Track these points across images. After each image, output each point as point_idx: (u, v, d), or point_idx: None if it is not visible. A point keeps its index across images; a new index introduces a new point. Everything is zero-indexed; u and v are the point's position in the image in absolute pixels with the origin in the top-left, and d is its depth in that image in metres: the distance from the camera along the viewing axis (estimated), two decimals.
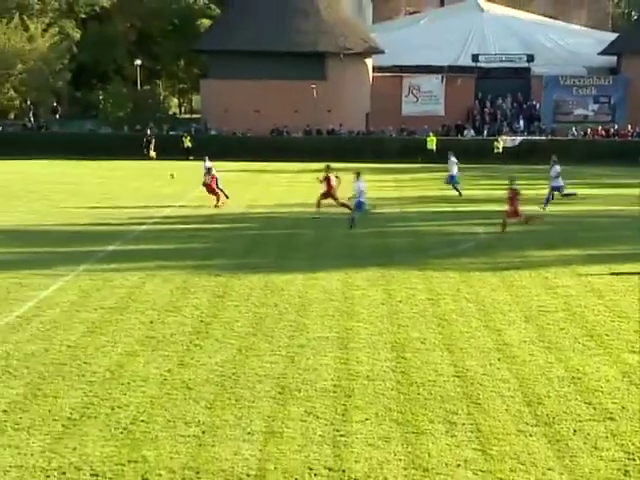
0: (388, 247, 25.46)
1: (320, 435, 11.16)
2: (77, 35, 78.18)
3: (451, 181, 38.20)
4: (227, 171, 48.91)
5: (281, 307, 17.80)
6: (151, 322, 16.51)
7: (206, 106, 70.57)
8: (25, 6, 74.77)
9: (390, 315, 17.20)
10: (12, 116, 76.87)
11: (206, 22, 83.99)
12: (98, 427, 11.25)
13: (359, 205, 29.46)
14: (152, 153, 60.48)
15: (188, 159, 59.28)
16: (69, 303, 17.93)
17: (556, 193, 34.44)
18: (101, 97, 73.95)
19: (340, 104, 66.30)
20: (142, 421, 11.50)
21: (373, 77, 69.52)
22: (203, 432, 11.19)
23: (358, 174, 29.68)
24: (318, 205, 31.61)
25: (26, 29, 71.56)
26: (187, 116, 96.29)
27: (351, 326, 16.33)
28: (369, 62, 69.56)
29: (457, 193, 37.69)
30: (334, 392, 12.73)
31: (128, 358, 14.20)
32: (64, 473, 9.96)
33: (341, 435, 11.18)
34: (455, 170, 38.03)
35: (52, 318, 16.68)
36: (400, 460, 10.53)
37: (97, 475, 9.94)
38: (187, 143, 61.26)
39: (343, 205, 30.90)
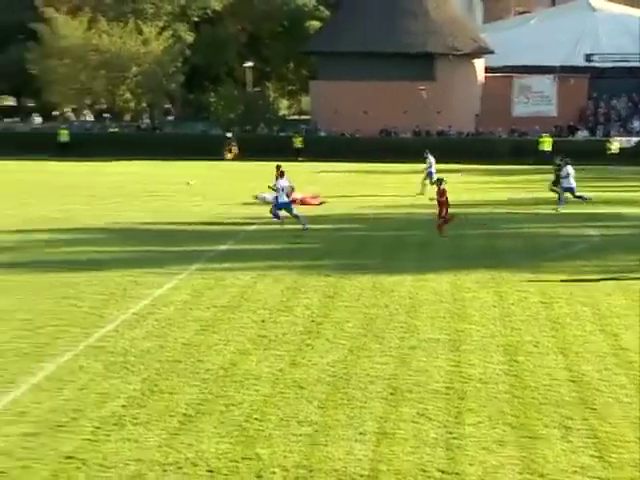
0: (498, 249, 25.14)
1: (433, 437, 11.07)
2: (190, 38, 79.36)
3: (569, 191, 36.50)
4: (336, 172, 49.08)
5: (391, 308, 17.73)
6: (263, 321, 16.63)
7: (315, 107, 70.92)
8: (140, 10, 76.31)
9: (502, 318, 16.97)
10: (127, 117, 78.52)
11: (315, 24, 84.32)
12: (213, 424, 11.38)
13: (281, 205, 28.75)
14: (229, 155, 60.97)
15: (297, 160, 59.64)
16: (183, 301, 18.20)
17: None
18: (212, 99, 74.96)
19: (449, 105, 65.79)
20: (256, 419, 11.58)
21: (483, 78, 68.80)
22: (316, 431, 11.21)
23: (281, 172, 29.31)
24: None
25: (141, 33, 73.05)
26: (296, 117, 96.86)
27: (462, 328, 16.17)
28: (479, 62, 68.86)
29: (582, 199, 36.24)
30: (446, 394, 12.62)
31: (241, 356, 14.33)
32: (180, 468, 10.10)
33: (454, 438, 11.07)
34: (571, 181, 36.48)
35: (166, 316, 16.95)
36: (515, 465, 10.37)
37: (212, 471, 10.05)
38: (297, 144, 61.63)
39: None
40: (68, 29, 71.91)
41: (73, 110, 75.78)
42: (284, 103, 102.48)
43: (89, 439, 10.82)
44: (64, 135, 63.59)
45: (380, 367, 13.83)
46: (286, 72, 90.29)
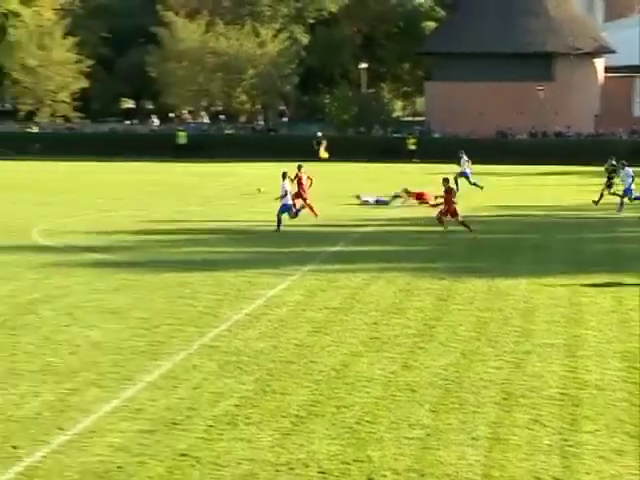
0: (619, 253, 24.59)
1: (547, 444, 10.88)
2: (305, 40, 79.88)
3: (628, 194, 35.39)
4: (449, 173, 48.63)
5: (506, 312, 17.51)
6: (375, 323, 16.62)
7: (430, 108, 70.61)
8: (257, 13, 77.17)
9: (620, 323, 16.58)
10: (242, 119, 79.50)
11: (431, 24, 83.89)
12: (324, 425, 11.42)
13: (285, 208, 28.85)
14: (323, 154, 60.91)
15: (412, 161, 59.44)
16: (295, 302, 18.33)
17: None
18: (327, 100, 75.30)
19: (567, 106, 64.65)
20: (367, 421, 11.58)
21: (603, 78, 67.37)
22: (427, 435, 11.15)
23: (284, 174, 29.36)
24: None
25: (257, 35, 73.85)
26: (410, 119, 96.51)
27: (579, 333, 15.86)
28: (599, 62, 67.46)
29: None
30: (561, 400, 12.39)
31: (353, 358, 14.35)
32: (292, 469, 10.17)
33: (569, 445, 10.85)
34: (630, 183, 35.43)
35: (279, 316, 17.09)
36: (634, 475, 10.11)
37: (324, 472, 10.09)
38: (411, 146, 61.43)
39: (310, 207, 30.60)
40: (186, 32, 73.27)
41: (189, 112, 77.15)
42: (398, 104, 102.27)
43: (203, 437, 10.99)
44: (182, 137, 64.80)
45: (493, 371, 13.66)
46: (401, 73, 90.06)
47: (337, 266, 22.37)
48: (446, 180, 29.22)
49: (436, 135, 65.65)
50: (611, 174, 35.52)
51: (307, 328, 16.23)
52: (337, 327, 16.32)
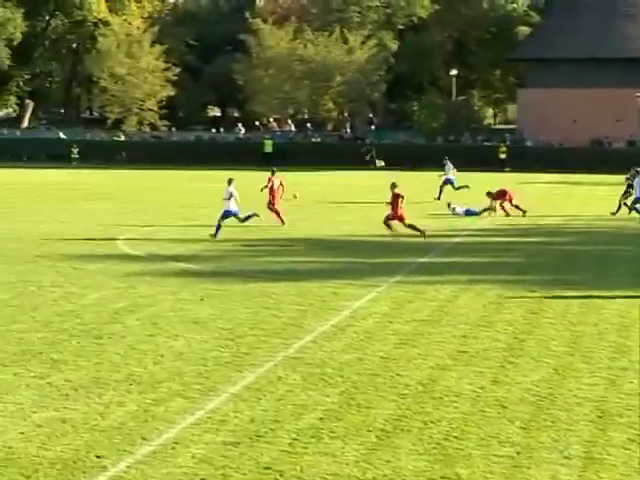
0: None
1: None
2: (394, 46, 79.85)
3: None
4: (543, 183, 48.15)
5: (600, 327, 17.20)
6: (464, 336, 16.47)
7: (522, 116, 69.96)
8: (346, 19, 77.44)
9: None
10: (329, 127, 79.77)
11: (525, 30, 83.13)
12: (411, 441, 11.34)
13: (228, 214, 29.07)
14: (379, 162, 60.92)
15: (504, 170, 58.91)
16: (382, 314, 18.27)
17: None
18: (415, 108, 75.12)
19: None
20: (455, 437, 11.46)
21: None
22: (518, 453, 10.98)
23: (230, 180, 29.47)
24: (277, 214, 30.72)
25: (345, 42, 74.04)
26: (502, 126, 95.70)
27: None
28: None
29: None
30: None
31: (440, 372, 14.23)
32: None
33: None
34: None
35: (365, 328, 17.05)
36: None
37: None
38: (502, 154, 60.90)
39: (277, 214, 30.77)
40: (274, 39, 73.89)
41: (275, 120, 77.73)
42: (489, 112, 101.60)
43: (287, 451, 11.00)
44: (268, 146, 65.33)
45: (588, 388, 13.41)
46: (492, 80, 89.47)
47: (425, 277, 22.25)
48: (393, 185, 29.51)
49: (528, 143, 64.95)
50: (630, 183, 35.06)
51: (393, 340, 16.16)
52: (424, 340, 16.21)
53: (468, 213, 35.41)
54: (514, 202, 34.49)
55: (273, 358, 14.90)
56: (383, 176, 55.58)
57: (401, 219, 28.88)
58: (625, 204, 34.89)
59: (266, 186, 32.06)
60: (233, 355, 15.06)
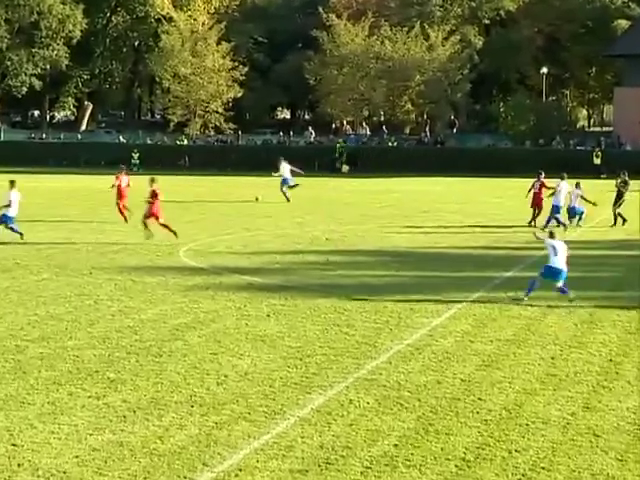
0: None
1: None
2: (479, 42, 79.46)
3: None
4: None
5: None
6: (552, 358, 16.32)
7: (619, 117, 69.20)
8: (426, 14, 77.28)
9: None
10: (407, 130, 79.68)
11: (623, 23, 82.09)
12: (494, 471, 11.25)
13: (4, 219, 29.19)
14: (344, 167, 60.88)
15: (600, 177, 58.25)
16: (462, 332, 18.18)
17: None
18: (502, 109, 74.66)
19: None
20: (542, 468, 11.35)
21: None
22: None
23: (12, 182, 29.35)
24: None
25: (426, 38, 73.85)
26: (597, 129, 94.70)
27: None
28: None
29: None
30: None
31: (526, 397, 14.11)
32: None
33: None
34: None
35: (444, 348, 16.98)
36: None
37: None
38: (596, 160, 60.26)
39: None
40: (349, 36, 74.04)
41: (348, 122, 77.89)
42: (583, 113, 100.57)
43: None
44: (339, 149, 65.36)
45: None
46: (587, 78, 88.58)
47: (510, 293, 22.07)
48: (152, 180, 29.88)
49: (627, 148, 64.10)
50: (621, 190, 34.61)
51: (475, 361, 16.06)
52: (509, 361, 16.09)
53: (573, 213, 34.78)
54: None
55: (344, 379, 14.91)
56: (464, 182, 55.34)
57: (156, 217, 29.55)
58: (619, 214, 34.75)
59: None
60: (301, 375, 15.09)
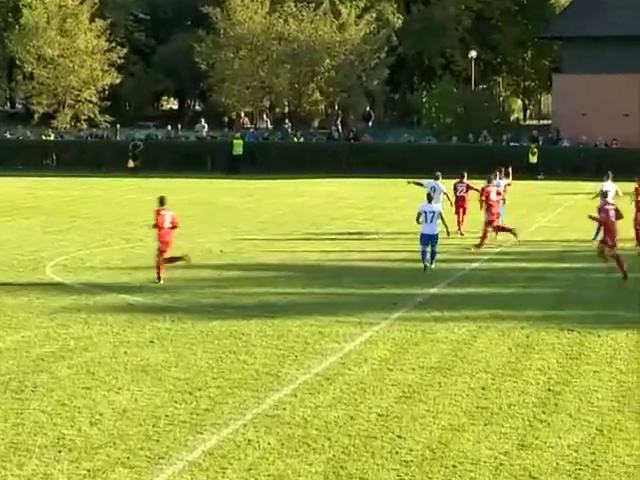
0: None
1: None
2: (398, 21, 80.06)
3: None
4: (585, 194, 48.28)
5: None
6: (483, 388, 16.50)
7: (558, 109, 70.25)
8: None
9: None
10: (315, 124, 79.89)
11: (562, 1, 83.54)
12: None
13: None
14: (131, 163, 61.56)
15: (537, 178, 59.12)
16: (380, 359, 18.28)
17: None
18: (424, 99, 75.31)
19: None
20: None
21: None
22: None
23: None
24: None
25: (337, 16, 74.12)
26: (534, 122, 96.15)
27: None
28: None
29: None
30: None
31: (453, 433, 14.25)
32: None
33: None
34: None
35: (359, 378, 17.04)
36: None
37: None
38: (532, 158, 61.13)
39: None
40: (246, 13, 74.06)
41: (247, 114, 77.84)
42: (518, 104, 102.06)
43: None
44: (238, 146, 65.37)
45: None
46: (521, 64, 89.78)
47: (435, 313, 22.26)
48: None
49: (565, 144, 65.20)
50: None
51: (395, 393, 16.16)
52: (433, 392, 16.22)
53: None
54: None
55: (242, 416, 14.89)
56: (381, 184, 55.69)
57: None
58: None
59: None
60: (191, 412, 15.03)
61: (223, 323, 21.07)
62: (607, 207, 27.61)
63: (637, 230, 32.36)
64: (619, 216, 27.49)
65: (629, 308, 23.20)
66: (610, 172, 35.37)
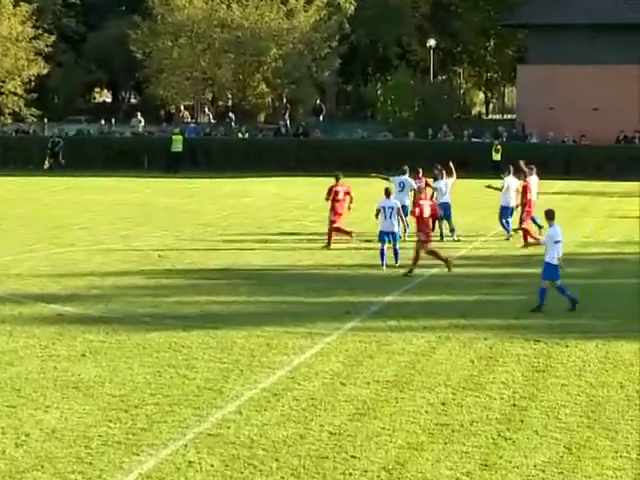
0: None
1: None
2: (350, 7, 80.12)
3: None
4: (551, 194, 48.61)
5: (629, 389, 17.40)
6: (443, 404, 16.55)
7: (522, 103, 70.51)
8: None
9: None
10: (261, 118, 79.79)
11: None
12: None
13: None
14: (47, 163, 61.81)
15: (500, 177, 59.26)
16: (332, 373, 18.29)
17: None
18: (379, 91, 75.41)
19: None
20: None
21: None
22: None
23: None
24: None
25: (285, 1, 74.07)
26: (497, 116, 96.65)
27: None
28: None
29: None
30: None
31: (411, 453, 14.28)
32: None
33: None
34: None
35: (309, 393, 17.05)
36: None
37: None
38: (495, 155, 61.32)
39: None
40: None
41: (187, 108, 77.63)
42: (480, 97, 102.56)
43: None
44: (177, 142, 65.16)
45: (612, 473, 13.54)
46: (484, 54, 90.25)
47: (391, 323, 22.31)
48: None
49: (533, 140, 65.50)
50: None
51: (348, 410, 16.18)
52: (390, 409, 16.25)
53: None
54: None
55: (182, 436, 14.86)
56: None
57: None
58: None
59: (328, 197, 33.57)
60: (126, 432, 14.98)
61: (162, 334, 21.01)
62: (422, 202, 28.97)
63: None
64: (434, 213, 29.85)
65: (598, 316, 23.34)
66: (511, 166, 35.60)
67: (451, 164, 36.80)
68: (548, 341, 20.67)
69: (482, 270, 29.81)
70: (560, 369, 18.66)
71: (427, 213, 28.63)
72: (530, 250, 32.76)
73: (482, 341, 20.71)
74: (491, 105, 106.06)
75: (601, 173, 58.76)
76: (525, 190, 34.29)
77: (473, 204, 43.79)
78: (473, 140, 66.21)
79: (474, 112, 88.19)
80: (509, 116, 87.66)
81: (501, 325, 22.27)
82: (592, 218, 42.01)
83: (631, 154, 61.99)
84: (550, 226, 24.39)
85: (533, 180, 35.67)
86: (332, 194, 33.66)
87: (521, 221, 33.99)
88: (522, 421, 15.70)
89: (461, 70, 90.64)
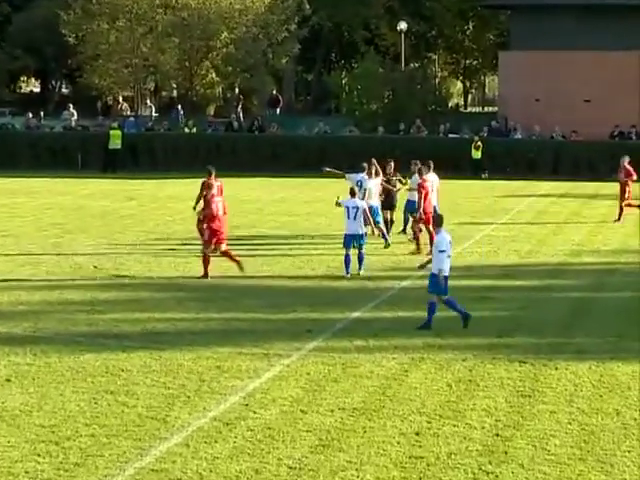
0: None
1: None
2: None
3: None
4: (538, 196, 48.87)
5: (625, 416, 17.48)
6: (417, 434, 16.57)
7: (506, 93, 70.73)
8: None
9: None
10: (211, 111, 79.64)
11: None
12: None
13: None
14: None
15: (481, 177, 59.55)
16: (291, 400, 18.29)
17: None
18: (344, 81, 75.42)
19: None
20: None
21: None
22: None
23: None
24: None
25: None
26: (477, 109, 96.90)
27: None
28: None
29: None
30: None
31: None
32: None
33: None
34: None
35: (266, 422, 17.04)
36: None
37: None
38: (475, 153, 61.49)
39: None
40: None
41: (126, 99, 77.45)
42: (457, 87, 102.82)
43: None
44: (115, 138, 64.99)
45: None
46: (461, 38, 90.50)
47: (358, 343, 22.33)
48: None
49: (517, 135, 65.69)
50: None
51: (309, 441, 16.19)
52: (357, 439, 16.26)
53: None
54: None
55: (121, 471, 14.83)
56: (291, 184, 55.78)
57: None
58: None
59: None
60: (57, 467, 14.93)
61: (98, 356, 20.96)
62: (215, 199, 30.20)
63: None
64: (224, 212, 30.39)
65: (591, 335, 23.41)
66: (431, 162, 35.82)
67: (374, 161, 36.61)
68: (535, 362, 20.73)
69: (460, 283, 29.80)
70: (549, 394, 18.71)
71: (219, 211, 29.47)
72: (512, 261, 32.93)
73: (461, 362, 20.74)
74: (470, 96, 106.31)
75: (594, 173, 58.94)
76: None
77: (452, 208, 43.83)
78: (450, 136, 66.28)
79: (451, 104, 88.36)
80: (490, 109, 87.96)
81: (482, 344, 22.32)
82: (584, 224, 42.16)
83: (627, 151, 62.19)
84: (436, 233, 24.60)
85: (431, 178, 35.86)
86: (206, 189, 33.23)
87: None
88: (506, 453, 15.73)
89: (436, 57, 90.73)
